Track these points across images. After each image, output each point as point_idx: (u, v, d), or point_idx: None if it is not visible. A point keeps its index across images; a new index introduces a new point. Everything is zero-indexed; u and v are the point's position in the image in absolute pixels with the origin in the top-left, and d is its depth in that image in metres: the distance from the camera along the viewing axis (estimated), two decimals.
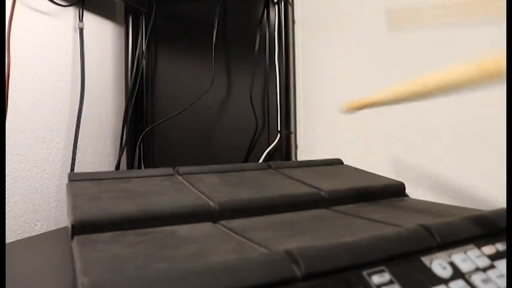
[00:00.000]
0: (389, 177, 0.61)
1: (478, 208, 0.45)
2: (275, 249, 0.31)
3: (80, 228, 0.38)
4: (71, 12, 0.77)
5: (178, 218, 0.42)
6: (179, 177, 0.56)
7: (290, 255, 0.25)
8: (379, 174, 0.64)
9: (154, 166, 0.90)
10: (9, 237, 0.62)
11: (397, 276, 0.25)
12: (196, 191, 0.49)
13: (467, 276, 0.27)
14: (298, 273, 0.24)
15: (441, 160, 0.67)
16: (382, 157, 0.73)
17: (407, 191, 0.58)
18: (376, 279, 0.25)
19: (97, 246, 0.34)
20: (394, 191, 0.57)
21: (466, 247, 0.30)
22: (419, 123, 0.70)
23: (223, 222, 0.43)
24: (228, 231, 0.39)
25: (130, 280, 0.22)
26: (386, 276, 0.25)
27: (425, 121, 0.70)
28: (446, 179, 0.66)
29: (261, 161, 0.80)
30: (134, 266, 0.28)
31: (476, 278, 0.27)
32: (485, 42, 0.63)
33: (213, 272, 0.23)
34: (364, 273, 0.25)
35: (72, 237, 0.37)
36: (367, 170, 0.66)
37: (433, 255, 0.28)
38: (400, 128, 0.72)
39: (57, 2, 0.72)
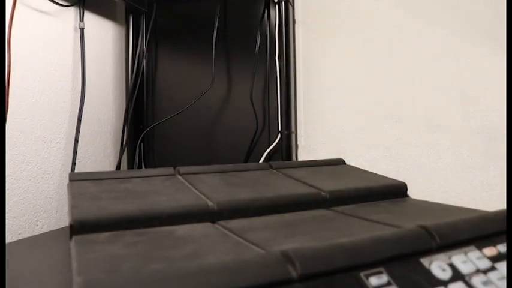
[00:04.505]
0: (391, 177, 0.61)
1: (480, 209, 0.44)
2: (272, 250, 0.31)
3: (78, 228, 0.38)
4: (72, 12, 0.77)
5: (177, 218, 0.42)
6: (180, 177, 0.56)
7: (286, 256, 0.24)
8: (382, 174, 0.64)
9: (155, 166, 0.90)
10: (10, 237, 0.62)
11: (395, 278, 0.25)
12: (196, 191, 0.49)
13: (467, 278, 0.27)
14: (294, 274, 0.23)
15: (443, 160, 0.67)
16: (384, 157, 0.73)
17: (409, 192, 0.57)
18: (373, 280, 0.24)
19: (94, 246, 0.34)
20: (396, 191, 0.56)
21: (467, 248, 0.30)
22: (421, 123, 0.70)
23: (222, 222, 0.43)
24: (226, 232, 0.39)
25: (125, 280, 0.22)
26: (384, 278, 0.25)
27: (426, 122, 0.69)
28: (448, 179, 0.66)
29: (261, 161, 0.80)
30: (130, 266, 0.28)
31: (476, 280, 0.27)
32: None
33: (208, 272, 0.22)
34: (362, 274, 0.25)
35: (71, 237, 0.37)
36: (370, 170, 0.66)
37: (433, 257, 0.28)
38: (402, 128, 0.72)
39: (57, 2, 0.72)
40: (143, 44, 0.88)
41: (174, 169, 0.58)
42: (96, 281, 0.22)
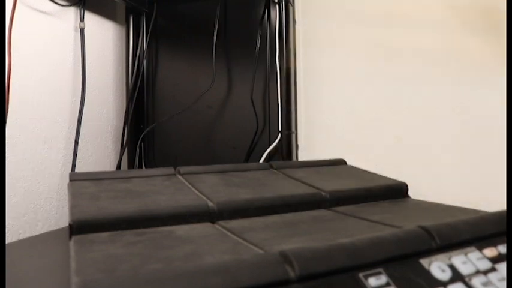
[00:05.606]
0: (391, 177, 0.60)
1: (480, 209, 0.44)
2: (271, 250, 0.31)
3: (78, 227, 0.38)
4: (72, 12, 0.77)
5: (176, 218, 0.42)
6: (180, 177, 0.56)
7: (284, 257, 0.24)
8: (382, 174, 0.63)
9: (155, 166, 0.90)
10: (10, 237, 0.62)
11: (394, 279, 0.25)
12: (195, 191, 0.49)
13: (467, 279, 0.27)
14: (292, 274, 0.23)
15: (443, 161, 0.67)
16: (384, 157, 0.73)
17: (409, 192, 0.57)
18: (372, 281, 0.24)
19: (93, 246, 0.34)
20: (396, 191, 0.56)
21: (467, 249, 0.30)
22: (421, 123, 0.70)
23: (221, 222, 0.43)
24: (226, 232, 0.38)
25: (123, 280, 0.22)
26: (383, 279, 0.25)
27: (427, 122, 0.69)
28: (449, 179, 0.66)
29: (261, 161, 0.80)
30: (128, 266, 0.28)
31: (476, 281, 0.27)
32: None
33: (206, 273, 0.22)
34: (361, 275, 0.25)
35: (70, 237, 0.37)
36: (370, 170, 0.66)
37: (432, 257, 0.28)
38: (403, 128, 0.72)
39: (58, 2, 0.72)
40: (143, 44, 0.88)
41: (174, 169, 0.58)
42: (94, 281, 0.22)
